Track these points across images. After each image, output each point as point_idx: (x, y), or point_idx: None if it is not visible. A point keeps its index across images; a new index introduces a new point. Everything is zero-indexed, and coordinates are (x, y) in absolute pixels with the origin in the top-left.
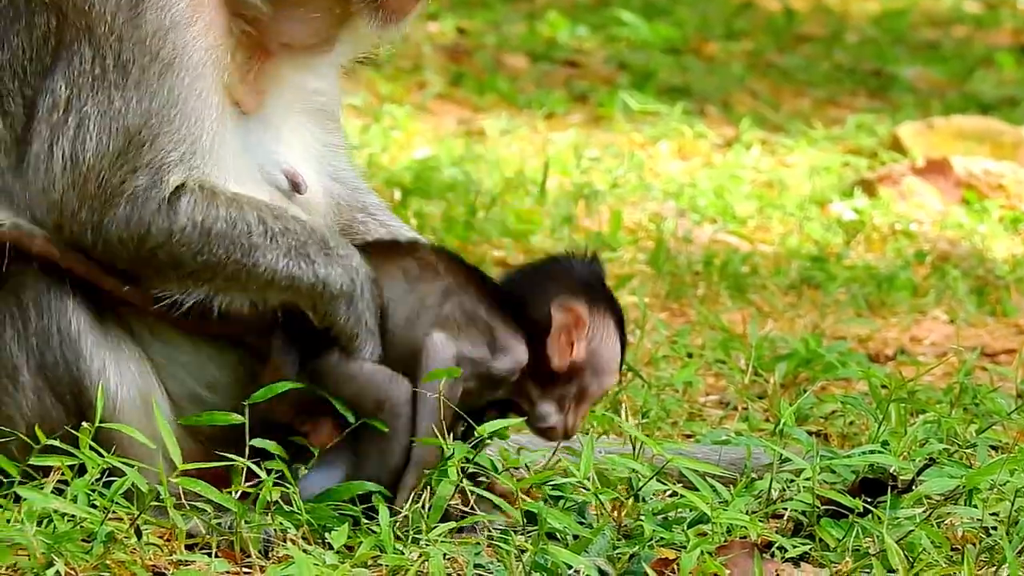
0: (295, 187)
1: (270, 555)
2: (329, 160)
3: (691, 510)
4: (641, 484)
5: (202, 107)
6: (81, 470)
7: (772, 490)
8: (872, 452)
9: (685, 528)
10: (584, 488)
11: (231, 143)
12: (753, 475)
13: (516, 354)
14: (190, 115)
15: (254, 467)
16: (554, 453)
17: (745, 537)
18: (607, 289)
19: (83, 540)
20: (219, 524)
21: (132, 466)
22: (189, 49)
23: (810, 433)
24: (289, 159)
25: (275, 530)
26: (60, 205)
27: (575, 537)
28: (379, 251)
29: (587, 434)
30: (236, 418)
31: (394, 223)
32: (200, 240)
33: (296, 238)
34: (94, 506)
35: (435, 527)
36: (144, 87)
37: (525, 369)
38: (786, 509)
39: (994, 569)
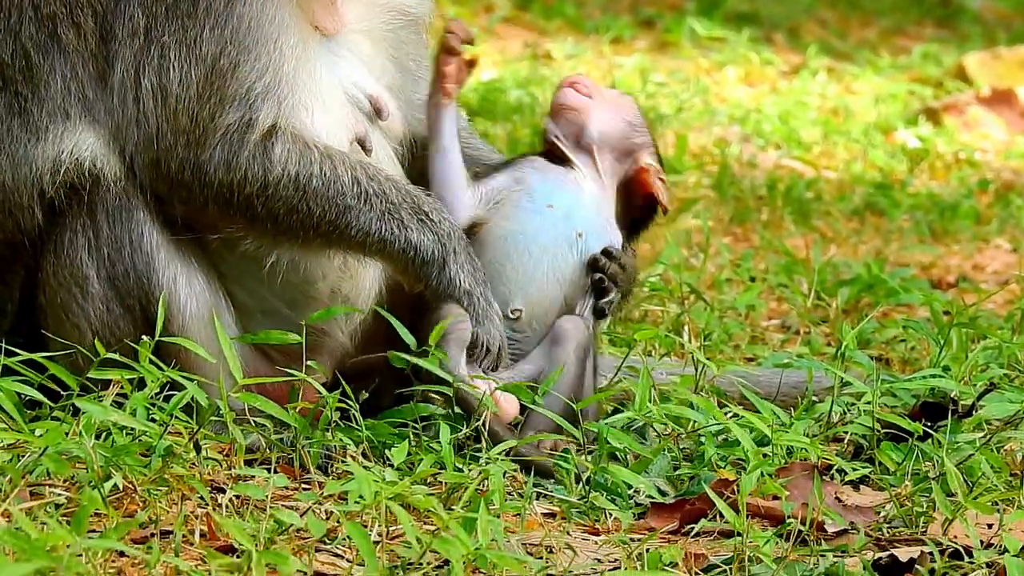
0: (378, 113)
1: (329, 471)
2: (411, 86)
3: (752, 432)
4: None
5: (278, 31)
6: (142, 383)
7: (833, 414)
8: (933, 376)
9: (746, 450)
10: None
11: (315, 68)
12: (814, 398)
13: None
14: (267, 41)
15: (316, 384)
16: (616, 373)
17: (805, 459)
18: None
19: (141, 454)
20: (279, 440)
21: (192, 380)
22: None
23: (871, 358)
24: (371, 84)
25: (335, 446)
26: (156, 139)
27: (636, 457)
28: None
29: (649, 355)
30: (293, 337)
31: (483, 147)
32: (295, 195)
33: (389, 201)
34: (153, 420)
35: (495, 446)
36: (215, 14)
37: None
38: (846, 433)
39: None
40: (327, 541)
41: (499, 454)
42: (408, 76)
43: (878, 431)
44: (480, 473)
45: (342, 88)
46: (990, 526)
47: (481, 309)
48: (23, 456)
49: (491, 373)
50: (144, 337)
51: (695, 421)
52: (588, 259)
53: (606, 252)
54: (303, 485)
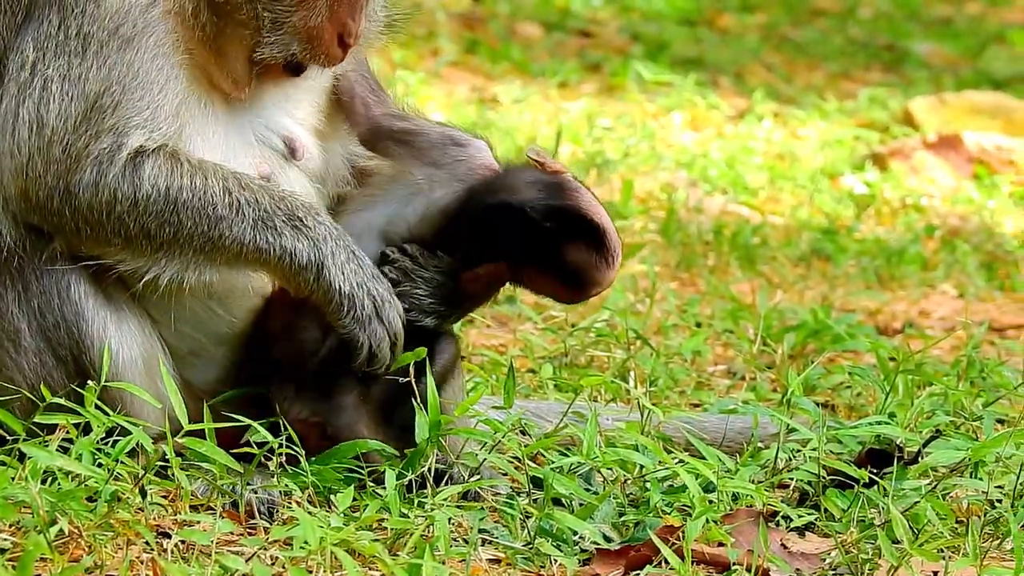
0: (292, 152)
1: (275, 517)
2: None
3: (697, 478)
4: (648, 470)
5: (164, 80)
6: (86, 429)
7: (778, 460)
8: (879, 423)
9: (691, 497)
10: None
11: (207, 110)
12: (760, 444)
13: None
14: (151, 86)
15: (260, 428)
16: (563, 419)
17: (751, 506)
18: None
19: (87, 499)
20: (224, 485)
21: (138, 425)
22: (148, 30)
23: (817, 404)
24: (288, 125)
25: (280, 492)
26: (26, 168)
27: (581, 503)
28: None
29: (595, 401)
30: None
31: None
32: (166, 209)
33: (263, 209)
34: (99, 465)
35: (440, 491)
36: (103, 59)
37: None
38: (792, 479)
39: (998, 542)
40: None
41: (444, 499)
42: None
43: (824, 478)
44: (425, 519)
45: (250, 128)
46: (936, 574)
47: (367, 308)
48: None
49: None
50: (90, 382)
51: (641, 466)
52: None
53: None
54: (248, 531)
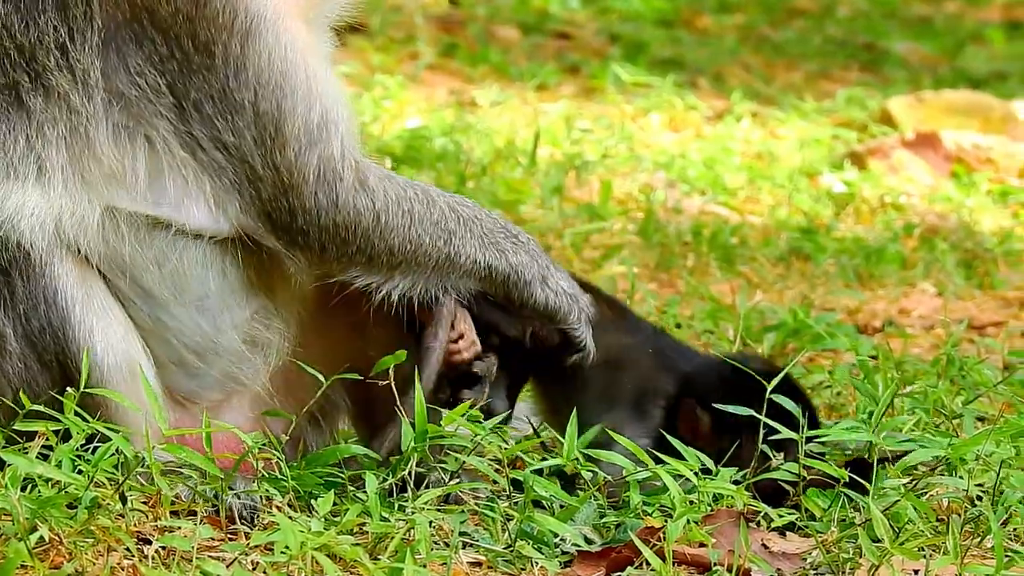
0: None
1: (255, 522)
2: None
3: (678, 479)
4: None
5: (307, 61)
6: (66, 436)
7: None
8: (855, 428)
9: (672, 497)
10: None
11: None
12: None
13: None
14: (299, 71)
15: (242, 435)
16: (543, 421)
17: (731, 507)
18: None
19: (67, 506)
20: (205, 491)
21: (118, 432)
22: (262, 9)
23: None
24: None
25: (261, 497)
26: (251, 187)
27: (562, 506)
28: None
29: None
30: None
31: None
32: (404, 222)
33: (482, 225)
34: (79, 472)
35: (421, 495)
36: (232, 63)
37: None
38: (773, 479)
39: (978, 540)
40: None
41: (425, 503)
42: None
43: (804, 478)
44: (406, 522)
45: None
46: (916, 572)
47: (586, 310)
48: None
49: None
50: (69, 389)
51: (623, 468)
52: None
53: None
54: (229, 536)
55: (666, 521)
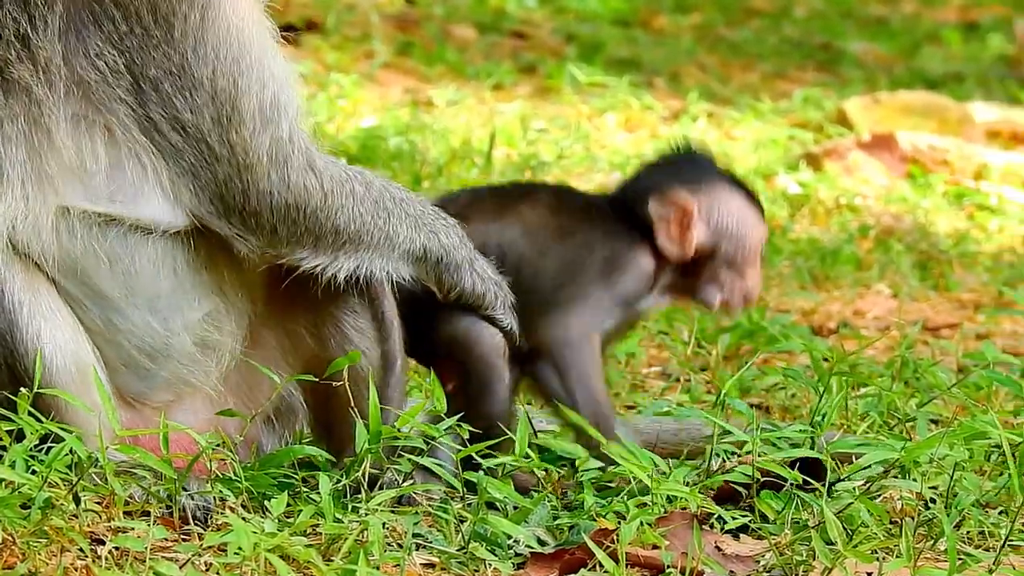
0: None
1: (209, 522)
2: None
3: (631, 481)
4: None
5: (261, 41)
6: (20, 436)
7: (712, 462)
8: (808, 430)
9: (625, 499)
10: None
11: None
12: (694, 446)
13: (641, 267)
14: (253, 49)
15: (193, 434)
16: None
17: (685, 508)
18: (712, 165)
19: (21, 506)
20: (158, 491)
21: (72, 432)
22: None
23: (752, 405)
24: None
25: (214, 498)
26: (208, 169)
27: (515, 507)
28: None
29: (529, 404)
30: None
31: None
32: (348, 201)
33: (415, 207)
34: (33, 472)
35: (374, 496)
36: (192, 36)
37: (665, 267)
38: (726, 481)
39: (931, 542)
40: None
41: (379, 504)
42: None
43: (758, 479)
44: (360, 524)
45: None
46: (870, 575)
47: (509, 297)
48: None
49: None
50: (23, 389)
51: (577, 470)
52: None
53: None
54: (183, 537)
55: (619, 523)
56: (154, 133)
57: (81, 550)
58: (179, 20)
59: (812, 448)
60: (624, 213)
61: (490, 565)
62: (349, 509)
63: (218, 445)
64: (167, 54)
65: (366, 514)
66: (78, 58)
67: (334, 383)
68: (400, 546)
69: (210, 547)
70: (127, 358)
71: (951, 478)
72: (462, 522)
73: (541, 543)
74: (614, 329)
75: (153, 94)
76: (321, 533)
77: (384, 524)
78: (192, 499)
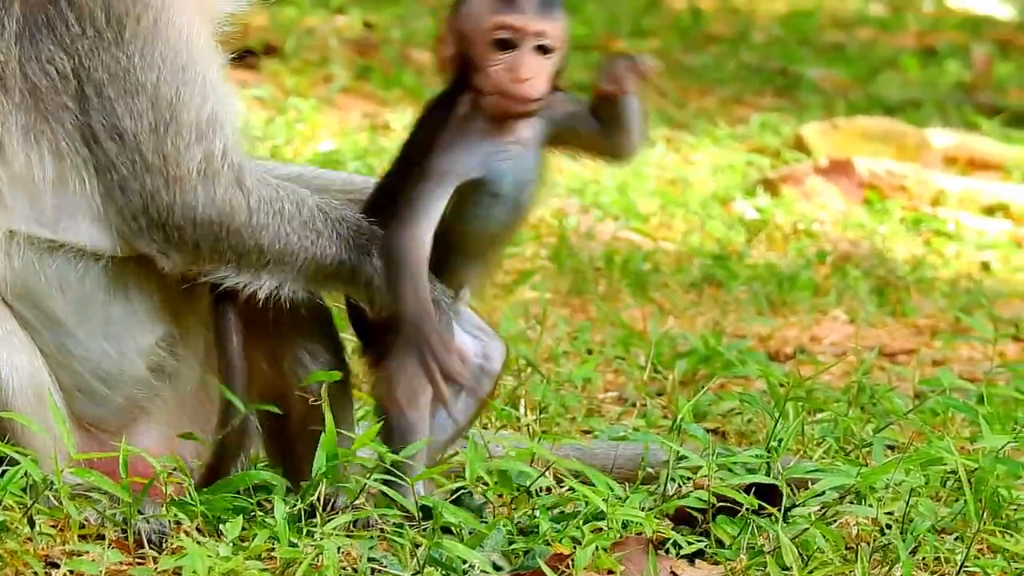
0: None
1: (164, 546)
2: None
3: (587, 506)
4: (532, 481)
5: (205, 55)
6: None
7: (668, 487)
8: (764, 455)
9: (581, 524)
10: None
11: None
12: (650, 471)
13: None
14: (198, 61)
15: (149, 458)
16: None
17: (640, 533)
18: None
19: None
20: (113, 515)
21: (27, 455)
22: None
23: (708, 430)
24: None
25: (169, 521)
26: (133, 182)
27: (471, 532)
28: None
29: (484, 429)
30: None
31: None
32: (275, 220)
33: (350, 227)
34: None
35: (329, 520)
36: (142, 38)
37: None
38: (682, 506)
39: (887, 568)
40: None
41: (334, 529)
42: None
43: (713, 505)
44: (315, 548)
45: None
46: None
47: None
48: None
49: None
50: None
51: (530, 493)
52: None
53: None
54: (138, 560)
55: (575, 548)
56: (92, 143)
57: (36, 573)
58: (131, 21)
59: (768, 473)
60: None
61: None
62: (304, 533)
63: (173, 469)
64: (116, 56)
65: (321, 538)
66: (31, 63)
67: (312, 400)
68: (355, 571)
69: (165, 571)
70: (81, 383)
71: (907, 504)
72: (417, 547)
73: (496, 568)
74: (479, 207)
75: (95, 99)
76: (276, 557)
77: (339, 548)
78: (147, 522)
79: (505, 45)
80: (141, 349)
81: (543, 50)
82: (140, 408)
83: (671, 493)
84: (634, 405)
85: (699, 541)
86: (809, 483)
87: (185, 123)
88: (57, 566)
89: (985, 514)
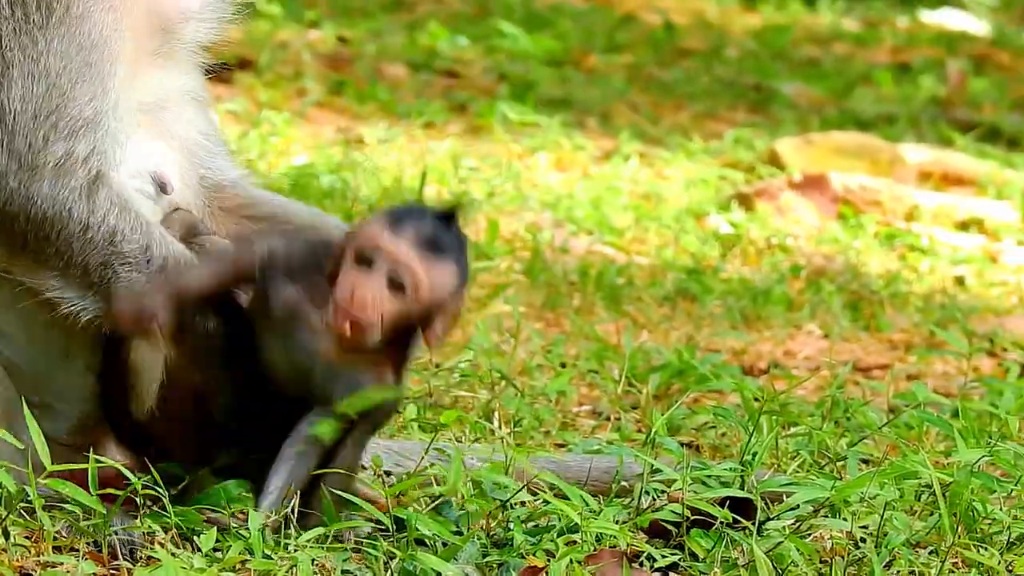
0: (162, 188)
1: (137, 558)
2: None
3: (561, 519)
4: (512, 495)
5: (113, 60)
6: None
7: (642, 500)
8: (738, 468)
9: (555, 537)
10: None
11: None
12: (624, 484)
13: None
14: (104, 63)
15: (123, 469)
16: (424, 455)
17: (615, 546)
18: None
19: None
20: (86, 526)
21: (0, 466)
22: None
23: (682, 444)
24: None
25: (143, 533)
26: None
27: (444, 544)
28: None
29: (459, 442)
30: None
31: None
32: (104, 241)
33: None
34: None
35: (304, 532)
36: (66, 26)
37: None
38: (656, 519)
39: None
40: None
41: (308, 541)
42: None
43: (687, 518)
44: (289, 560)
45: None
46: None
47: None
48: None
49: None
50: None
51: (504, 506)
52: None
53: None
54: (111, 572)
55: (549, 561)
56: None
57: None
58: (61, 8)
59: (742, 487)
60: None
61: None
62: (279, 545)
63: (146, 481)
64: (35, 39)
65: (295, 550)
66: None
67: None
68: None
69: None
70: (38, 399)
71: (881, 517)
72: (391, 559)
73: None
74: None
75: (1, 79)
76: (250, 569)
77: (313, 560)
78: (119, 534)
79: (362, 261)
80: (92, 365)
81: (394, 284)
82: (100, 423)
83: (645, 506)
84: (608, 419)
85: (673, 554)
86: (783, 497)
87: (64, 116)
88: None
89: (960, 528)
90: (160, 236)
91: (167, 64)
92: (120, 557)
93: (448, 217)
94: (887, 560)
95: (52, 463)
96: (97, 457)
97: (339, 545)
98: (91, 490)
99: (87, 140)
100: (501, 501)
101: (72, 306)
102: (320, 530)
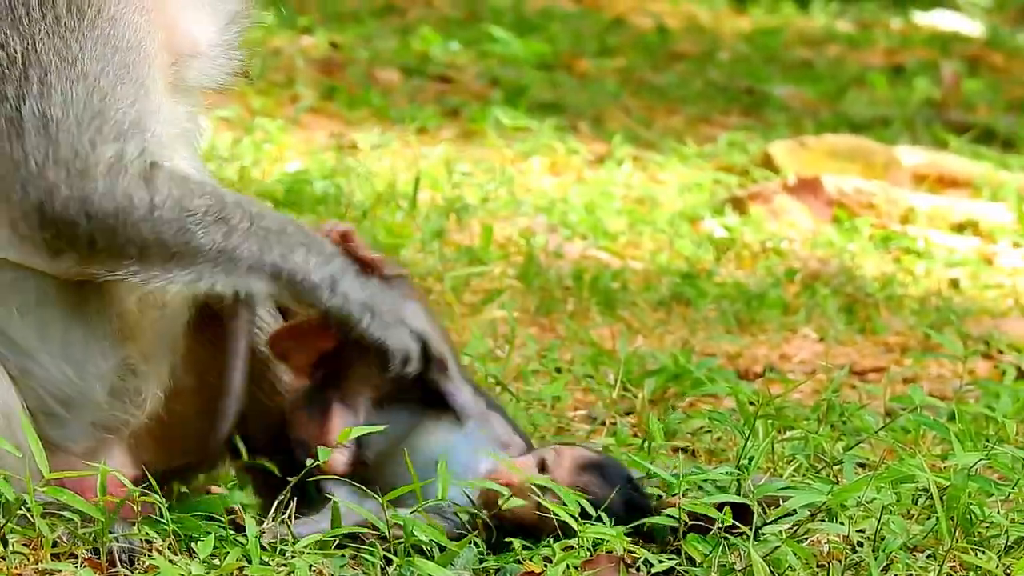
0: None
1: (136, 565)
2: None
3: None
4: (504, 500)
5: (150, 63)
6: None
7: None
8: (734, 473)
9: (551, 542)
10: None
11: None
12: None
13: None
14: (142, 64)
15: (122, 477)
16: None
17: (611, 551)
18: None
19: None
20: (85, 533)
21: None
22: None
23: (678, 448)
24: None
25: (141, 540)
26: (38, 176)
27: (442, 549)
28: None
29: None
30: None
31: None
32: (180, 214)
33: (270, 225)
34: None
35: (301, 539)
36: (99, 29)
37: None
38: (653, 523)
39: None
40: None
41: (305, 547)
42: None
43: (684, 522)
44: (286, 566)
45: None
46: None
47: (387, 313)
48: None
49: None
50: None
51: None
52: None
53: None
54: None
55: (546, 566)
56: (15, 138)
57: None
58: (92, 11)
59: (739, 491)
60: None
61: None
62: (276, 551)
63: (145, 488)
64: (68, 42)
65: (293, 556)
66: None
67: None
68: None
69: None
70: (43, 406)
71: (878, 521)
72: (388, 564)
73: None
74: None
75: (37, 84)
76: (248, 575)
77: (311, 566)
78: (118, 541)
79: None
80: (101, 373)
81: None
82: (106, 430)
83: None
84: (604, 423)
85: (670, 559)
86: (780, 501)
87: (109, 120)
88: None
89: (957, 531)
90: (231, 193)
91: (175, 96)
92: (119, 564)
93: None
94: (884, 564)
95: (59, 470)
96: (95, 465)
97: (336, 551)
98: (98, 498)
99: (136, 141)
100: (499, 507)
101: (154, 281)
102: (317, 536)
